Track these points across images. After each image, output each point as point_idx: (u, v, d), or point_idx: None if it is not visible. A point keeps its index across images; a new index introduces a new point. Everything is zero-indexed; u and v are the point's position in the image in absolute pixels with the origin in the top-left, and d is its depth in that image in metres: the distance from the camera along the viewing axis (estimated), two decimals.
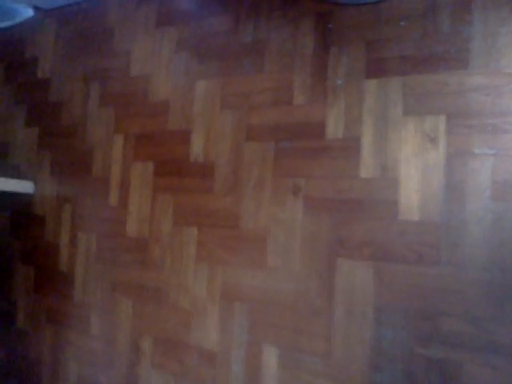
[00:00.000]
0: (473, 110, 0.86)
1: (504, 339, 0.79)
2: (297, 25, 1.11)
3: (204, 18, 1.24)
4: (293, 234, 1.05)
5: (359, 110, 1.00)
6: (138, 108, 1.31)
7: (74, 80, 1.45)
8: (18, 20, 1.53)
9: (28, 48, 1.58)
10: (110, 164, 1.34)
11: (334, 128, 1.03)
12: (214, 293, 1.14)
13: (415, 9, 0.96)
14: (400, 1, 0.98)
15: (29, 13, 1.51)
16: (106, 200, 1.33)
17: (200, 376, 1.14)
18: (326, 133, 1.03)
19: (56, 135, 1.45)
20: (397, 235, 0.91)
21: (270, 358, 1.05)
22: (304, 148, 1.06)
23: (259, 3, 1.16)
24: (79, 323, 1.36)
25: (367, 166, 0.96)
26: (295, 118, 1.08)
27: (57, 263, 1.41)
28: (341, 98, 1.03)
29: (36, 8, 1.50)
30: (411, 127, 0.94)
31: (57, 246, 1.42)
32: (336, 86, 1.04)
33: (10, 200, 1.49)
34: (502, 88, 0.84)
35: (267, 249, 1.08)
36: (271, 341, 1.05)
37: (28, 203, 1.49)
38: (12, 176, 1.51)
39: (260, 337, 1.07)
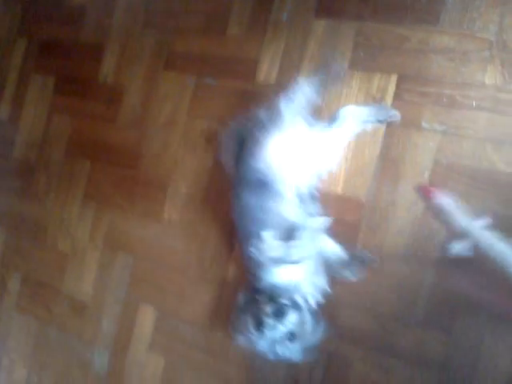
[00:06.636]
0: (431, 75, 0.75)
1: (405, 343, 0.73)
2: None
3: None
4: (198, 186, 0.93)
5: (300, 54, 0.87)
6: (49, 10, 1.16)
7: None
8: None
9: None
10: (8, 70, 1.17)
11: (268, 70, 0.89)
12: (97, 238, 1.02)
13: None
14: None
15: None
16: None
17: (66, 327, 1.04)
18: (256, 74, 0.90)
19: None
20: None
21: (146, 319, 0.95)
22: (229, 88, 0.92)
23: None
24: None
25: None
26: (225, 51, 0.94)
27: None
28: (282, 36, 0.89)
29: None
30: (356, 83, 0.82)
31: None
32: (279, 21, 0.90)
33: None
34: (470, 55, 0.73)
35: (166, 198, 0.95)
36: (151, 302, 0.95)
37: None
38: None
39: (140, 296, 0.96)
